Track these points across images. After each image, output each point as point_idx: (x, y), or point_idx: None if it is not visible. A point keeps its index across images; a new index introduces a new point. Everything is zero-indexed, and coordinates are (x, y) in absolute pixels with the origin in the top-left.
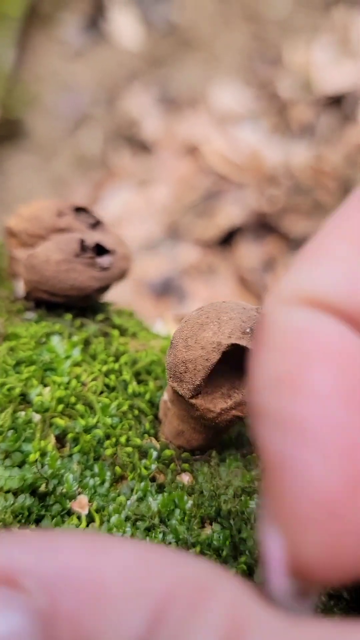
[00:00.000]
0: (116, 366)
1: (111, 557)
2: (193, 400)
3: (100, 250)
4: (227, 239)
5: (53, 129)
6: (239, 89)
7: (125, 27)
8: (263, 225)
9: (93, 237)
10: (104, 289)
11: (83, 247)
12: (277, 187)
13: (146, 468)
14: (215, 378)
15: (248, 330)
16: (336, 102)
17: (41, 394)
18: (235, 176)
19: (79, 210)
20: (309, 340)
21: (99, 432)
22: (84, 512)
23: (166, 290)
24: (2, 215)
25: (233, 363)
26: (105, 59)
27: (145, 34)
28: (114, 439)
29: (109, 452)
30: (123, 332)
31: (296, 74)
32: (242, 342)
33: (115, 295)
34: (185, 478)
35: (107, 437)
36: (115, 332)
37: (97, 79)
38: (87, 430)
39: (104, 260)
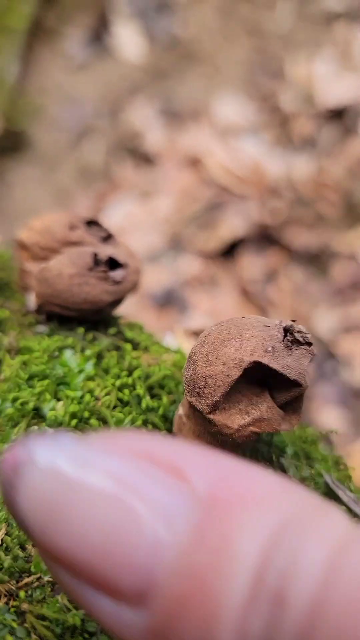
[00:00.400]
0: (129, 380)
1: (257, 481)
2: (211, 416)
3: (112, 263)
4: (230, 251)
5: (56, 141)
6: (241, 102)
7: (128, 40)
8: (265, 237)
9: (106, 251)
10: (117, 302)
11: (96, 260)
12: (279, 199)
13: None
14: (233, 394)
15: (270, 349)
16: (338, 115)
17: (54, 409)
18: (237, 188)
19: (91, 223)
20: None
21: None
22: None
23: (168, 301)
24: (7, 227)
25: (251, 379)
26: (108, 72)
27: (148, 47)
28: None
29: None
30: (135, 346)
31: (298, 87)
32: (265, 360)
33: (118, 307)
34: None
35: None
36: (128, 346)
37: (101, 91)
38: None
39: (116, 274)
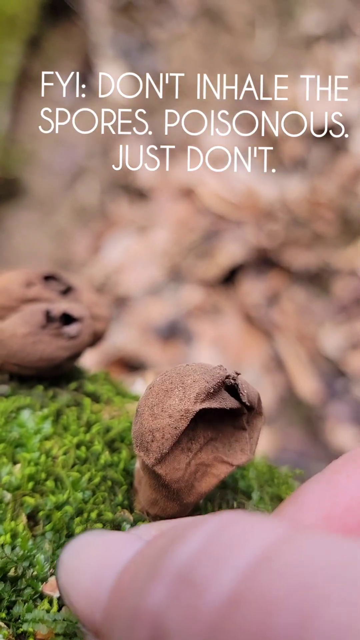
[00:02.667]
0: (87, 437)
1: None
2: (156, 468)
3: (68, 318)
4: (230, 277)
5: (51, 185)
6: (229, 130)
7: (114, 80)
8: (264, 261)
9: (60, 307)
10: (75, 356)
11: (49, 317)
12: (275, 222)
13: None
14: (178, 441)
15: (212, 390)
16: (326, 134)
17: (11, 472)
18: (232, 215)
19: (48, 278)
20: None
21: (70, 509)
22: (56, 595)
23: (173, 333)
24: None
25: (196, 419)
26: (97, 113)
27: (134, 85)
28: (85, 515)
29: (79, 529)
30: (97, 399)
31: (284, 110)
32: (211, 405)
33: (123, 342)
34: None
35: (80, 512)
36: (87, 401)
37: (91, 132)
38: (58, 507)
39: (71, 329)
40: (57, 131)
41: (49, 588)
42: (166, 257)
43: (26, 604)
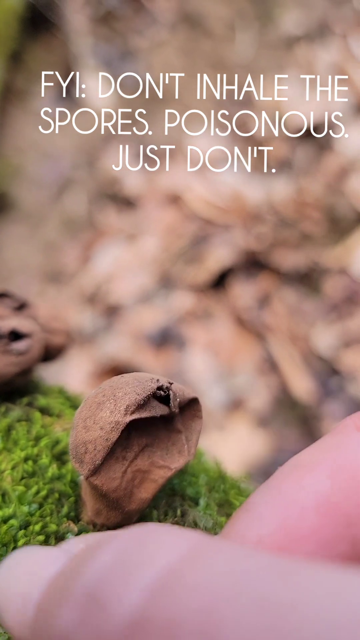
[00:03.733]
0: (35, 450)
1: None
2: (91, 479)
3: (17, 335)
4: (220, 281)
5: (38, 197)
6: (213, 134)
7: (96, 90)
8: (254, 263)
9: (9, 323)
10: (26, 372)
11: None
12: (263, 224)
13: None
14: (112, 452)
15: (142, 402)
16: (310, 134)
17: None
18: (220, 219)
19: (1, 295)
20: None
21: (15, 522)
22: None
23: (165, 340)
24: None
25: (129, 427)
26: (81, 124)
27: (116, 94)
28: (31, 528)
29: (22, 542)
30: (48, 412)
31: (267, 112)
32: (141, 415)
33: (116, 351)
34: None
35: (26, 525)
36: (37, 415)
37: (76, 143)
38: (5, 520)
39: (20, 345)
40: (41, 144)
41: None
42: (156, 264)
43: None
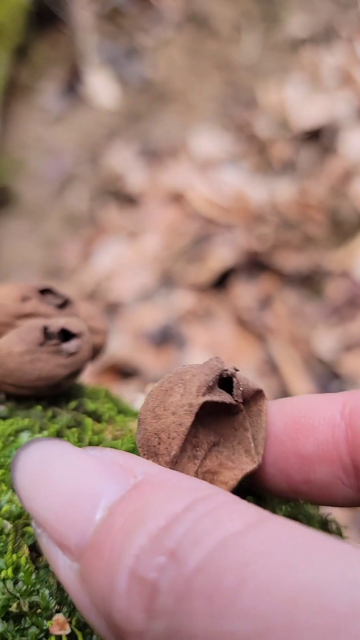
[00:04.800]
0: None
1: (183, 478)
2: None
3: (66, 334)
4: (221, 281)
5: (40, 193)
6: (217, 134)
7: (101, 87)
8: (255, 264)
9: (58, 322)
10: (75, 374)
11: (47, 334)
12: (266, 225)
13: None
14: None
15: (211, 383)
16: (314, 136)
17: (11, 500)
18: (222, 218)
19: (44, 291)
20: None
21: None
22: (66, 632)
23: (165, 338)
24: (1, 282)
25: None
26: (85, 120)
27: (121, 92)
28: None
29: None
30: (98, 418)
31: (272, 113)
32: (213, 398)
33: (115, 349)
34: None
35: None
36: (89, 421)
37: (79, 140)
38: None
39: (70, 345)
40: (45, 139)
41: (57, 627)
42: (157, 262)
43: None
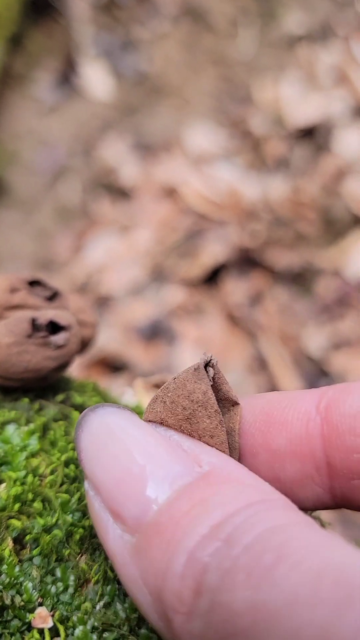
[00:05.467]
0: (75, 453)
1: (245, 473)
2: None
3: (54, 326)
4: (213, 277)
5: (33, 184)
6: (211, 130)
7: (96, 79)
8: (247, 261)
9: (46, 314)
10: (63, 366)
11: (35, 326)
12: (258, 222)
13: (112, 569)
14: None
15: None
16: (308, 134)
17: None
18: (215, 214)
19: (34, 283)
20: None
21: (59, 533)
22: (47, 625)
23: (155, 333)
24: None
25: None
26: (79, 112)
27: (116, 84)
28: (76, 537)
29: (67, 552)
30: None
31: (267, 110)
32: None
33: (105, 342)
34: None
35: (69, 535)
36: (75, 414)
37: (73, 131)
38: (47, 530)
39: (58, 337)
40: (38, 130)
41: (39, 620)
42: (148, 257)
43: (13, 637)
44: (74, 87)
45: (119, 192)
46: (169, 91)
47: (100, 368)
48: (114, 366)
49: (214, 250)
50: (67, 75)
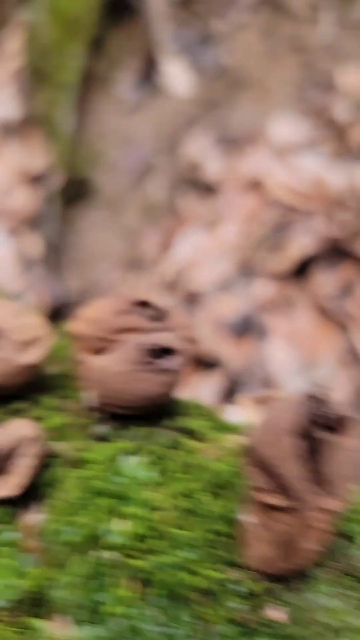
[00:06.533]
0: (192, 485)
1: None
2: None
3: (165, 349)
4: (302, 270)
5: (119, 183)
6: (295, 119)
7: (177, 76)
8: (336, 251)
9: (160, 340)
10: (173, 390)
11: (149, 352)
12: (346, 211)
13: (229, 609)
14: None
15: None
16: None
17: (115, 530)
18: (302, 205)
19: (140, 304)
20: None
21: (177, 571)
22: None
23: (245, 329)
24: (82, 273)
25: None
26: (161, 110)
27: (197, 79)
28: (193, 577)
29: (187, 591)
30: (199, 439)
31: (350, 96)
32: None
33: (197, 340)
34: (275, 614)
35: (186, 572)
36: (188, 442)
37: (156, 129)
38: (165, 568)
39: (173, 363)
40: (122, 129)
41: None
42: (236, 251)
43: None
44: (155, 85)
45: (205, 188)
46: (249, 83)
47: (191, 364)
48: (205, 363)
49: (303, 242)
50: (148, 74)
